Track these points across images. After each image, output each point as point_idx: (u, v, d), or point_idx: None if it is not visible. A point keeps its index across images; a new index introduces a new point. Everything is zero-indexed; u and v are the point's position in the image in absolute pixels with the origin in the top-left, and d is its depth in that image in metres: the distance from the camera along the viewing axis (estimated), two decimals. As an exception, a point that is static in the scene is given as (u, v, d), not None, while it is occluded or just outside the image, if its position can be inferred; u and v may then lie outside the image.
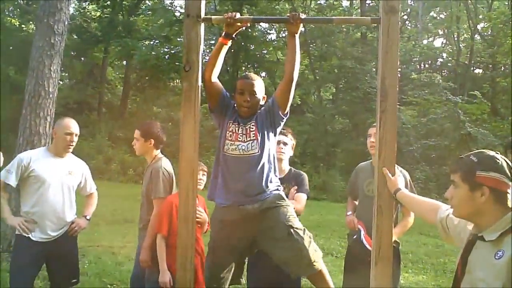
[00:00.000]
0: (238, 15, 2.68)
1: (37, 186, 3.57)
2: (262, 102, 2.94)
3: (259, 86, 2.90)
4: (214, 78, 2.82)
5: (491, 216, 1.83)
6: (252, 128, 2.82)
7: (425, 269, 6.91)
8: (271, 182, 2.82)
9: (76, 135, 3.71)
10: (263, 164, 2.78)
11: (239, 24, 2.72)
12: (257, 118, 2.87)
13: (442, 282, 6.14)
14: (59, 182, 3.65)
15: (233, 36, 2.75)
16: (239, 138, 2.80)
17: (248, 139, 2.79)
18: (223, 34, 2.74)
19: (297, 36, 2.73)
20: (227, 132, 2.83)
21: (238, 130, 2.82)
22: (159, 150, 3.76)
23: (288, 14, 2.68)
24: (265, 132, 2.83)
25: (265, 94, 2.96)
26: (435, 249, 8.17)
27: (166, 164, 3.66)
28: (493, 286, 1.74)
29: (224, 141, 2.82)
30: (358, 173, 3.84)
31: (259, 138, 2.79)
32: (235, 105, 2.91)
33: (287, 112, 2.89)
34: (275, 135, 2.92)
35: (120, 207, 10.58)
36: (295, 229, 2.73)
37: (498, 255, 1.75)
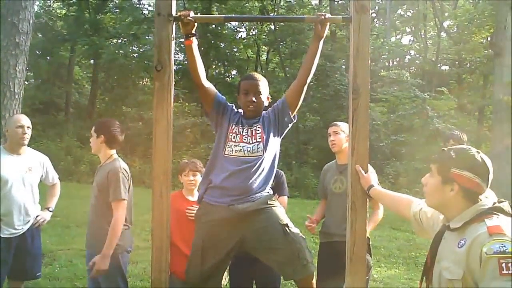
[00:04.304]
0: (192, 13, 2.62)
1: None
2: (266, 103, 2.89)
3: (264, 86, 2.87)
4: (205, 81, 2.78)
5: (458, 209, 1.89)
6: (258, 130, 2.78)
7: (397, 263, 7.02)
8: (268, 184, 2.79)
9: (28, 127, 3.72)
10: (266, 166, 2.75)
11: (191, 21, 2.62)
12: (263, 120, 2.83)
13: (414, 275, 6.25)
14: (21, 179, 3.70)
15: (194, 33, 2.67)
16: (244, 139, 2.75)
17: (254, 140, 2.75)
18: (184, 36, 2.67)
19: (322, 40, 2.70)
20: (230, 134, 2.77)
21: (243, 131, 2.77)
22: (114, 151, 3.48)
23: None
24: (271, 134, 2.80)
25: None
26: (407, 243, 8.30)
27: (124, 165, 3.41)
28: (455, 274, 1.79)
29: (225, 144, 2.76)
30: (325, 173, 3.96)
31: (264, 140, 2.75)
32: (234, 106, 2.88)
33: (295, 116, 2.87)
34: (279, 137, 2.87)
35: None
36: (290, 228, 2.69)
37: (461, 243, 1.81)
